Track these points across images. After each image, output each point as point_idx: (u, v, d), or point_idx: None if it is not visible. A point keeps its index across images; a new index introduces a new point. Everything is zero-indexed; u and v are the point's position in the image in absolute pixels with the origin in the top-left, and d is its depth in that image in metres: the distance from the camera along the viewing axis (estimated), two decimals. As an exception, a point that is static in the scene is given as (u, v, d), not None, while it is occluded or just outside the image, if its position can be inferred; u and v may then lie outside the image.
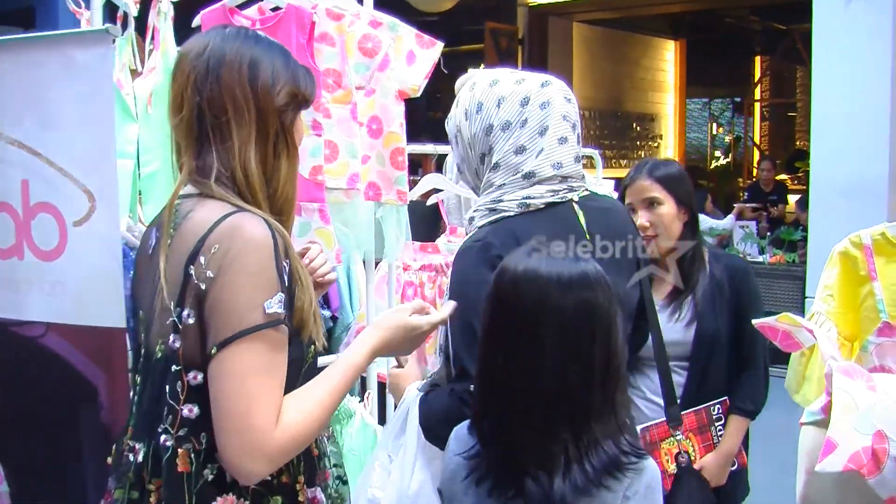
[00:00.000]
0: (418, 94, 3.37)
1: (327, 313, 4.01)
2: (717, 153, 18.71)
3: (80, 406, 2.60)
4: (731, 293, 3.09)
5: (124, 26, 3.06)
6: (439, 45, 3.43)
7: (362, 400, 3.57)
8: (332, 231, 3.12)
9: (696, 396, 3.02)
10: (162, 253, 1.84)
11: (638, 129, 15.87)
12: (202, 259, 1.76)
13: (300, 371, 1.90)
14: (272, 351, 1.77)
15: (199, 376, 1.79)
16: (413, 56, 3.38)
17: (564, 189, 2.26)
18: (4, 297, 2.70)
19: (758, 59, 17.60)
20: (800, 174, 14.88)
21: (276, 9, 3.17)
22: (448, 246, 4.28)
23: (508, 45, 13.01)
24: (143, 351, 1.93)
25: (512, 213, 2.21)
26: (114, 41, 2.70)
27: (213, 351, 1.74)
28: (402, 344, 2.12)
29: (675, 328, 3.08)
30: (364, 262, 3.72)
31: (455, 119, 2.34)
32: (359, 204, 3.34)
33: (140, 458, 1.86)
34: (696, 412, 2.96)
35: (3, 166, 2.65)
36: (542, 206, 2.22)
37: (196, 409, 1.80)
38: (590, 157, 5.03)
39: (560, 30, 13.76)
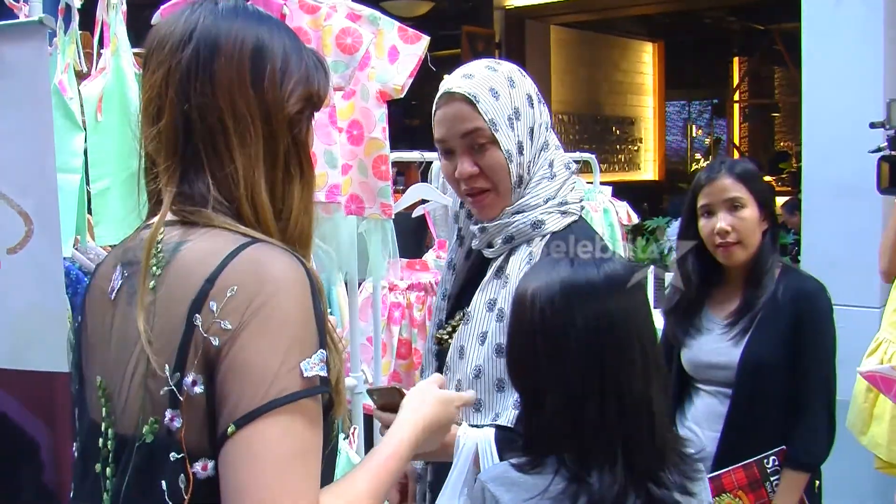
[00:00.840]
0: (402, 95, 2.99)
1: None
2: (698, 156, 18.54)
3: (18, 466, 2.21)
4: (790, 318, 2.71)
5: (67, 20, 2.67)
6: (425, 40, 3.04)
7: (347, 437, 3.21)
8: (309, 250, 2.76)
9: (742, 429, 2.68)
10: (141, 301, 1.38)
11: (618, 132, 15.76)
12: (213, 305, 1.31)
13: (324, 455, 1.40)
14: (309, 428, 1.31)
15: (210, 465, 1.32)
16: (396, 52, 3.01)
17: None
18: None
19: (736, 59, 17.46)
20: (784, 175, 14.74)
21: (242, 2, 2.81)
22: (438, 262, 3.95)
23: (485, 48, 12.88)
24: (109, 431, 1.44)
25: (577, 216, 2.15)
26: (53, 37, 2.34)
27: (230, 430, 1.27)
28: (446, 425, 1.72)
29: (721, 349, 2.76)
30: (346, 283, 3.36)
31: (511, 99, 2.12)
32: (339, 219, 2.98)
33: None
34: (746, 466, 2.61)
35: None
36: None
37: None
38: (586, 162, 4.75)
39: (537, 33, 13.63)
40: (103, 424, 1.45)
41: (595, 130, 15.23)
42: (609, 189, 4.66)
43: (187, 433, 1.33)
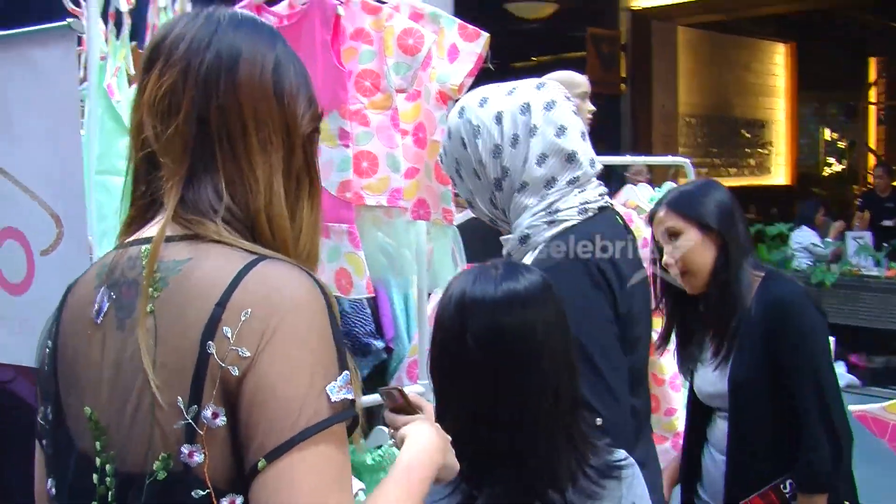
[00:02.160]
0: (460, 96, 2.89)
1: (381, 344, 3.59)
2: (830, 159, 17.98)
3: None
4: (763, 332, 2.57)
5: (118, 25, 2.67)
6: (484, 37, 2.91)
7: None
8: (363, 257, 2.70)
9: (743, 449, 2.61)
10: (142, 327, 1.29)
11: (747, 135, 15.39)
12: (227, 331, 1.23)
13: None
14: (340, 452, 1.24)
15: (239, 501, 1.24)
16: (456, 51, 2.92)
17: (604, 191, 2.21)
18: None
19: (872, 60, 16.90)
20: (918, 181, 14.21)
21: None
22: (511, 268, 3.84)
23: (611, 50, 12.78)
24: (108, 468, 1.33)
25: (574, 222, 2.11)
26: (105, 42, 2.35)
27: (260, 464, 1.20)
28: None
29: (712, 378, 2.69)
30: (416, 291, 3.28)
31: (451, 153, 2.26)
32: (400, 224, 2.91)
33: None
34: (762, 495, 2.51)
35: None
36: (597, 210, 2.15)
37: None
38: (680, 167, 4.61)
39: (664, 34, 13.45)
40: (98, 460, 1.34)
41: (723, 133, 14.94)
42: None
43: (211, 468, 1.24)
